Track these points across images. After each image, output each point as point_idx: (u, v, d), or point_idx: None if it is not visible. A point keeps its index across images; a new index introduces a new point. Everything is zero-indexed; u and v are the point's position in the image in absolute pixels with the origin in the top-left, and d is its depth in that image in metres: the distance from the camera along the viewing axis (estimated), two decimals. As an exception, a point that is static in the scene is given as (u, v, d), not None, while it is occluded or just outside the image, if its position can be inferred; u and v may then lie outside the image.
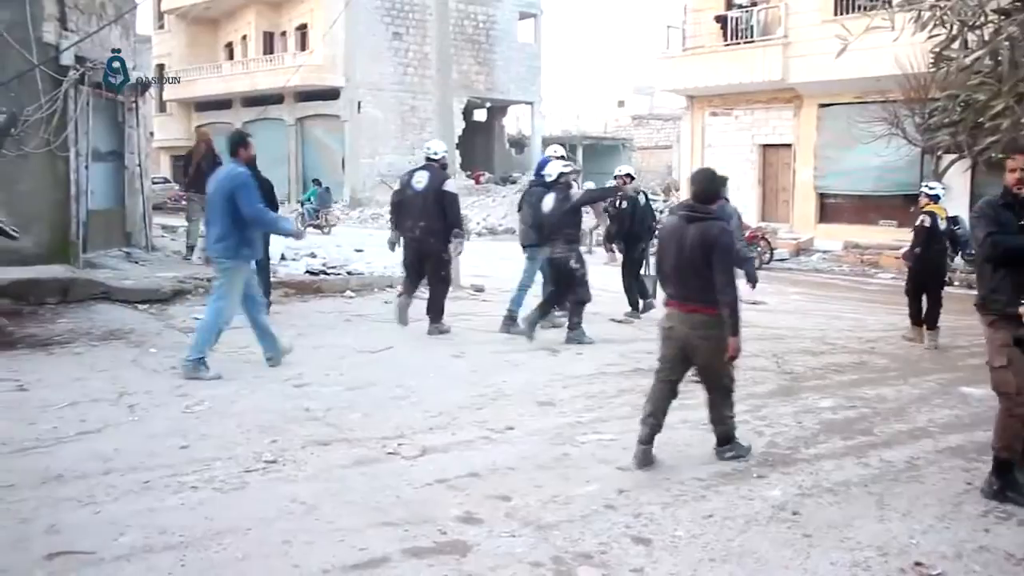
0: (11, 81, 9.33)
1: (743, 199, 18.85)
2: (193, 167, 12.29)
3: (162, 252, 13.09)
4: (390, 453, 4.94)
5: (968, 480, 4.76)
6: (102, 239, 11.80)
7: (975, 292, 4.67)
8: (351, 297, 10.69)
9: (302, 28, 35.43)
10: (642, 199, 10.19)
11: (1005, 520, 4.21)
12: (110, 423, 5.37)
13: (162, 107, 38.51)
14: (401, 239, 8.70)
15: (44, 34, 10.16)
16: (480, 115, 40.90)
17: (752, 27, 20.48)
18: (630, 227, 9.96)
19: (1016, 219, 4.31)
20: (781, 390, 6.77)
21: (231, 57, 38.63)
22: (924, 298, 9.02)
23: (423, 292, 8.84)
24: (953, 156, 15.85)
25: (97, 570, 3.45)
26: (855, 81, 17.05)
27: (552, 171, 8.33)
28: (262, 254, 6.95)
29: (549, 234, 8.19)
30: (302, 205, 24.87)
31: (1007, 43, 8.34)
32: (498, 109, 41.35)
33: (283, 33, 36.68)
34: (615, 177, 10.27)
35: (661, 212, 13.72)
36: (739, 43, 20.63)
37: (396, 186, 9.31)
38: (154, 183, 22.74)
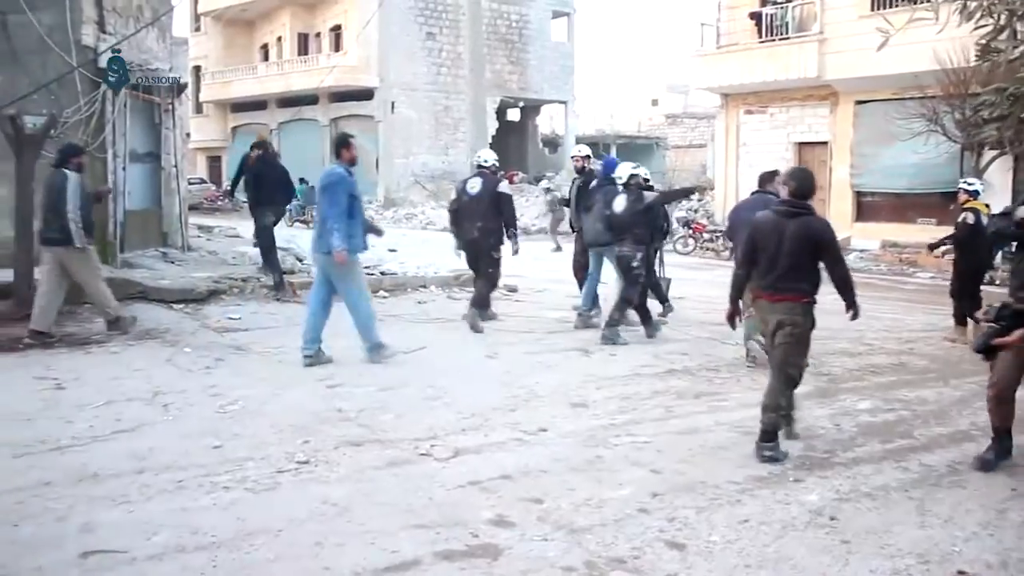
0: (51, 83, 9.47)
1: (778, 198, 18.61)
2: (251, 176, 11.03)
3: (198, 252, 13.23)
4: (422, 454, 4.93)
5: (1013, 486, 4.63)
6: (139, 239, 11.97)
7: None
8: (384, 297, 10.71)
9: (336, 29, 35.68)
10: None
11: (1052, 528, 4.09)
12: (145, 422, 5.42)
13: (198, 108, 39.02)
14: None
15: (83, 37, 10.32)
16: (513, 115, 40.87)
17: (787, 24, 20.29)
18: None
19: None
20: (818, 392, 6.64)
21: (266, 58, 38.98)
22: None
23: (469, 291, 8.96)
24: (995, 152, 15.56)
25: (131, 569, 3.47)
26: (892, 77, 16.71)
27: (623, 172, 8.53)
28: (363, 247, 7.18)
29: (619, 233, 8.38)
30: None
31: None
32: (531, 109, 41.25)
33: (317, 34, 36.94)
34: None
35: (696, 212, 13.51)
36: (774, 40, 20.44)
37: (452, 195, 9.82)
38: (190, 184, 23.10)
